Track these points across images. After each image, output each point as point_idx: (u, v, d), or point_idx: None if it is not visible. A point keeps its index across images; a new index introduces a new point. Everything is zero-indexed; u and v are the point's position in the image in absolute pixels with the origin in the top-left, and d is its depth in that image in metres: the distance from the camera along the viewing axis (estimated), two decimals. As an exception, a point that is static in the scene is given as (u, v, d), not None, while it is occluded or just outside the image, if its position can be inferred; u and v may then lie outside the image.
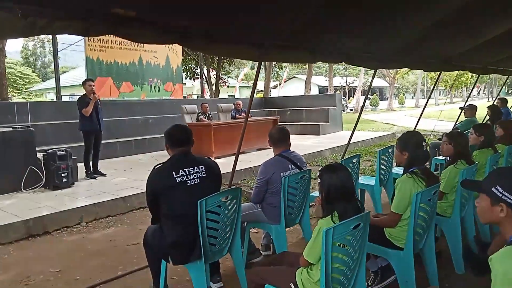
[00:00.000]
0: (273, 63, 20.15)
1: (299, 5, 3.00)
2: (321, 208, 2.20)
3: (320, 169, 2.28)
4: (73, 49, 17.68)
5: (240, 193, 2.73)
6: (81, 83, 6.61)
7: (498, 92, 15.07)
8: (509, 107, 8.35)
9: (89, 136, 6.38)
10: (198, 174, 2.60)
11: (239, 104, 10.38)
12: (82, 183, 6.19)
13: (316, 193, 4.10)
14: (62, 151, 5.88)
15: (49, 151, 5.83)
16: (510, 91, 49.34)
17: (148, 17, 2.67)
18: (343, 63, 4.69)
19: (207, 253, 2.55)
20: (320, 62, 4.60)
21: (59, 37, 10.66)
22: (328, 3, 2.94)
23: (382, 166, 4.48)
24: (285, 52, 3.88)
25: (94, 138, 6.46)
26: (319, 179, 2.21)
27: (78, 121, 6.44)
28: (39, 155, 5.94)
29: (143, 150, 9.52)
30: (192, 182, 2.56)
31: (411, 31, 4.17)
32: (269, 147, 3.52)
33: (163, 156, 8.78)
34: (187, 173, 2.56)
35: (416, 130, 4.76)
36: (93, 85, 6.40)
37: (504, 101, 8.18)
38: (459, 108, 7.53)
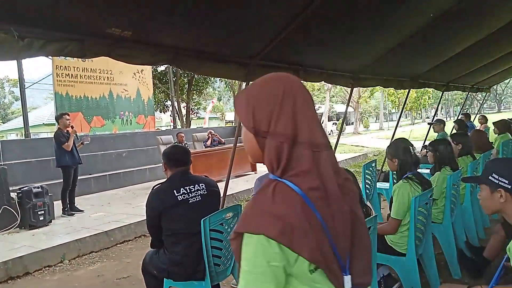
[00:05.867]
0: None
1: (279, 25, 3.14)
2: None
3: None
4: (33, 88, 17.19)
5: (240, 210, 2.71)
6: (56, 118, 6.43)
7: (457, 112, 15.97)
8: (472, 122, 8.88)
9: (69, 171, 6.14)
10: (199, 191, 2.58)
11: (211, 132, 10.42)
12: (59, 221, 5.87)
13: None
14: (38, 187, 5.59)
15: (24, 188, 5.52)
16: (465, 110, 52.58)
17: (142, 38, 2.70)
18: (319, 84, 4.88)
19: (211, 273, 2.49)
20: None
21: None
22: (305, 23, 3.10)
23: (367, 181, 4.59)
24: (269, 71, 3.99)
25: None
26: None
27: (50, 158, 6.16)
28: (13, 194, 5.62)
29: (118, 185, 9.23)
30: (194, 199, 2.53)
31: (382, 49, 4.44)
32: (247, 173, 3.54)
33: (139, 189, 8.74)
34: (188, 191, 2.53)
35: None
36: (69, 119, 6.24)
37: (467, 116, 8.70)
38: (428, 124, 7.91)
